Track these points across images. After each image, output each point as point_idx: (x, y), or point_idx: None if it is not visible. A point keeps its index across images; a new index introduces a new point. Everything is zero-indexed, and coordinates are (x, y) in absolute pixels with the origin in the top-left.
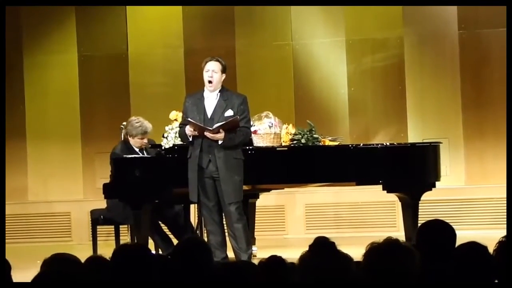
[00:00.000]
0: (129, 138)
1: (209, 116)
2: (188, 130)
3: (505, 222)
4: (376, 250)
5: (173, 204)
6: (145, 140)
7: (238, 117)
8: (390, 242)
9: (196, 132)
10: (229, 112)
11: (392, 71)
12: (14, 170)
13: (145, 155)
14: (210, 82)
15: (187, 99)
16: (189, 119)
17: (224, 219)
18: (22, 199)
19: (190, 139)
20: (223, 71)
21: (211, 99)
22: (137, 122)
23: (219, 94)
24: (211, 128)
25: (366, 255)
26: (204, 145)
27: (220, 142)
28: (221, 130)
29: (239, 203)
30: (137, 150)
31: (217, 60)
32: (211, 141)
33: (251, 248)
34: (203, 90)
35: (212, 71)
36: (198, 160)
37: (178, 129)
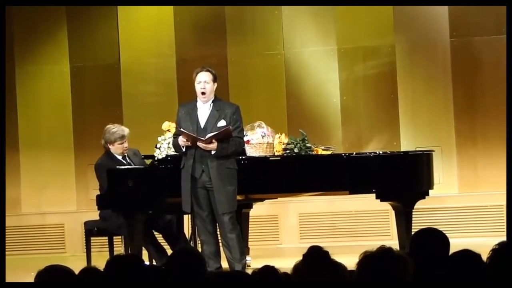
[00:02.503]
0: (110, 147)
1: (202, 126)
2: (181, 140)
3: (498, 230)
4: (369, 259)
5: (167, 214)
6: (125, 145)
7: (231, 127)
8: (383, 250)
9: (189, 143)
10: (222, 123)
11: (384, 79)
12: (7, 181)
13: (128, 161)
14: (203, 93)
15: (180, 109)
16: (181, 129)
17: (217, 229)
18: (16, 211)
19: (183, 149)
20: (215, 80)
21: (204, 109)
22: (113, 128)
23: (212, 104)
24: (203, 138)
25: (360, 263)
26: (197, 155)
27: (212, 152)
28: (213, 140)
29: (232, 213)
30: (119, 158)
31: (208, 70)
32: (204, 151)
33: (245, 258)
34: (196, 100)
35: (204, 82)
36: (191, 170)
37: (171, 139)
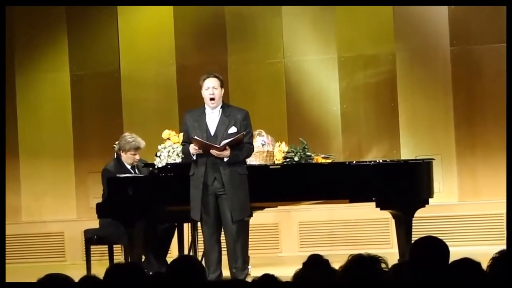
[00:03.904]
0: (122, 154)
1: (212, 133)
2: (193, 148)
3: (498, 238)
4: (347, 270)
5: (167, 222)
6: (137, 157)
7: (244, 133)
8: (355, 258)
9: (201, 150)
10: (233, 129)
11: (384, 88)
12: (7, 188)
13: (137, 172)
14: (212, 99)
15: (187, 117)
16: (195, 137)
17: (221, 237)
18: (16, 219)
19: (194, 157)
20: (222, 86)
21: (213, 116)
22: (130, 137)
23: (220, 110)
24: (218, 146)
25: (342, 276)
26: (209, 163)
27: (225, 159)
28: (227, 147)
29: (242, 220)
30: (128, 167)
31: (215, 76)
32: (216, 158)
33: (247, 267)
34: (204, 107)
35: (213, 87)
36: (203, 178)
37: (171, 148)
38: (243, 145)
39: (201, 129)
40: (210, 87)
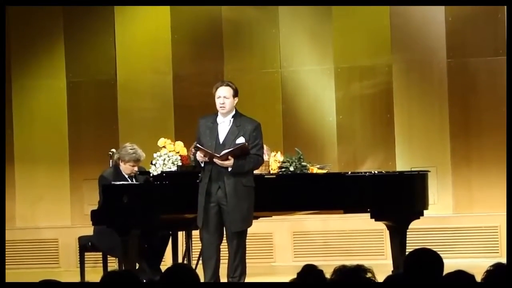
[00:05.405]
0: (120, 163)
1: (221, 142)
2: (199, 156)
3: (493, 251)
4: (333, 283)
5: (161, 230)
6: (136, 169)
7: (247, 143)
8: (339, 270)
9: (207, 158)
10: (241, 140)
11: (380, 99)
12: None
13: (134, 181)
14: (222, 108)
15: (200, 123)
16: (198, 145)
17: (221, 246)
18: (10, 225)
19: (202, 164)
20: (235, 95)
21: (224, 125)
22: (131, 149)
23: (232, 119)
24: (219, 155)
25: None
26: (214, 172)
27: (229, 169)
28: (229, 157)
29: (244, 231)
30: (126, 176)
31: (228, 85)
32: (221, 168)
33: (244, 278)
34: (217, 115)
35: (224, 97)
36: (207, 186)
37: (166, 156)
38: (249, 156)
39: (212, 137)
40: (221, 96)
